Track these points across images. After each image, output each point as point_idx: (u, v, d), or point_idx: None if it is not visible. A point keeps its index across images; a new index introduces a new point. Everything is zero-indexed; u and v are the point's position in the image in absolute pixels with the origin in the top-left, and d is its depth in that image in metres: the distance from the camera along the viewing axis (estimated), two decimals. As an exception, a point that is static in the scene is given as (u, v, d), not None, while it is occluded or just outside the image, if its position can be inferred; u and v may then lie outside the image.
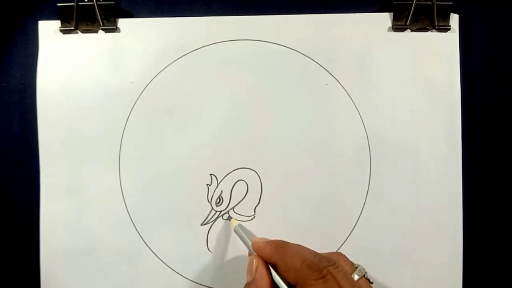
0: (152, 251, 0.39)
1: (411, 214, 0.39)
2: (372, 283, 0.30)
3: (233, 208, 0.39)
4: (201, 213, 0.39)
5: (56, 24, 0.40)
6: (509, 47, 0.41)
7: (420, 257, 0.39)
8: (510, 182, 0.41)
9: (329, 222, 0.39)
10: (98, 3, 0.39)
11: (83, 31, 0.40)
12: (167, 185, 0.39)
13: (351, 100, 0.40)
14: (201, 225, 0.39)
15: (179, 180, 0.39)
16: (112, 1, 0.39)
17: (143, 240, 0.39)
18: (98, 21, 0.39)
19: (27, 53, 0.41)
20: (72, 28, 0.39)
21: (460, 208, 0.39)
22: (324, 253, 0.30)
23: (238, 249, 0.39)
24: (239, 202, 0.39)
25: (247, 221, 0.39)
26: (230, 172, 0.39)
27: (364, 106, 0.39)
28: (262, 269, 0.30)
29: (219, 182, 0.39)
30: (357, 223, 0.39)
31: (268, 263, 0.30)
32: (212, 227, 0.39)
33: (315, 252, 0.30)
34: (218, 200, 0.39)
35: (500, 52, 0.41)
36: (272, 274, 0.30)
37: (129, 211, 0.39)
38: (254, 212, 0.39)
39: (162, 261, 0.39)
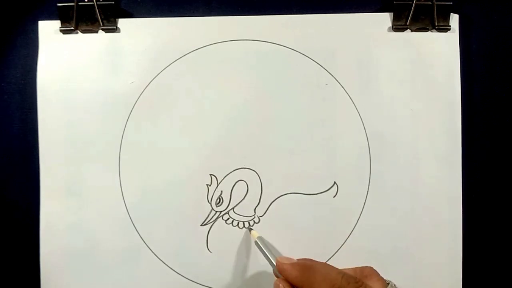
0: (152, 251, 0.39)
1: (411, 214, 0.39)
2: None
3: (233, 208, 0.39)
4: (201, 213, 0.39)
5: (56, 24, 0.40)
6: (509, 47, 0.41)
7: (420, 257, 0.39)
8: (510, 182, 0.41)
9: (329, 222, 0.39)
10: (98, 3, 0.39)
11: (83, 31, 0.40)
12: (167, 185, 0.39)
13: (351, 100, 0.40)
14: (201, 225, 0.39)
15: (179, 180, 0.39)
16: (112, 1, 0.39)
17: (143, 240, 0.39)
18: (98, 21, 0.39)
19: (27, 53, 0.41)
20: (72, 28, 0.39)
21: (459, 208, 0.39)
22: (355, 268, 0.30)
23: (238, 249, 0.39)
24: (239, 202, 0.39)
25: (247, 221, 0.39)
26: (230, 172, 0.39)
27: (364, 106, 0.39)
28: None
29: (219, 182, 0.39)
30: (357, 223, 0.39)
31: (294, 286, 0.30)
32: (212, 227, 0.39)
33: (343, 272, 0.30)
34: (218, 200, 0.39)
35: (500, 52, 0.41)
36: None
37: (129, 211, 0.39)
38: (254, 212, 0.39)
39: (162, 261, 0.39)
